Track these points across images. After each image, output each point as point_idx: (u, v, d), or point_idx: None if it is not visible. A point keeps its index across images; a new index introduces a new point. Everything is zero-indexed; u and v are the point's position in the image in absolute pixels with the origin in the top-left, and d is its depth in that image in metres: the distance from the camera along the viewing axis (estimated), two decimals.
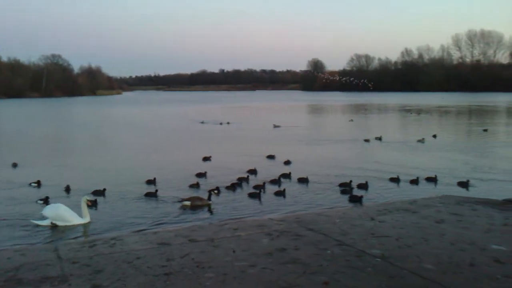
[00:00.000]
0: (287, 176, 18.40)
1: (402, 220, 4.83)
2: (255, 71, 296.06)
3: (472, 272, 3.40)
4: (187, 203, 15.08)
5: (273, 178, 18.30)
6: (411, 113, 63.44)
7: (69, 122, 53.22)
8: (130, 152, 27.60)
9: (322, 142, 31.83)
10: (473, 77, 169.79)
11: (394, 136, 34.21)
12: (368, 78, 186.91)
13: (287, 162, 22.15)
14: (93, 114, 69.93)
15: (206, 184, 17.97)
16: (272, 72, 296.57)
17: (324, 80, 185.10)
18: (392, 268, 3.49)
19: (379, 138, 30.40)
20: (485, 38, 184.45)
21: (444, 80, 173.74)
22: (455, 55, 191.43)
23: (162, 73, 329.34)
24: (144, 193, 16.23)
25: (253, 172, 19.40)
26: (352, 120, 50.98)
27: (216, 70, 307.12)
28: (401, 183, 17.75)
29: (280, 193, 16.17)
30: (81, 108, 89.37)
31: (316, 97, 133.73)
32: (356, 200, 14.85)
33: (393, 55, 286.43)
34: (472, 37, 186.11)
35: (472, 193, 16.13)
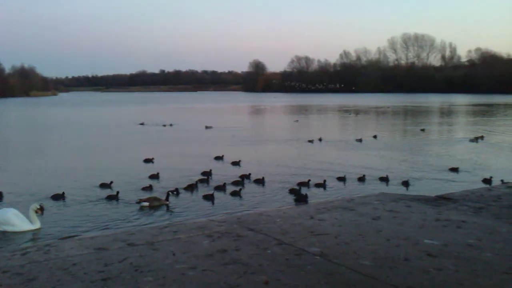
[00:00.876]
0: (247, 177, 18.62)
1: (340, 218, 4.92)
2: (196, 72, 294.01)
3: (407, 266, 3.51)
4: (145, 203, 15.04)
5: (234, 179, 18.48)
6: (350, 114, 65.18)
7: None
8: (70, 155, 26.80)
9: (270, 142, 32.22)
10: (408, 78, 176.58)
11: (336, 136, 35.11)
12: (308, 79, 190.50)
13: (236, 163, 22.27)
14: (25, 116, 67.17)
15: (159, 186, 17.83)
16: (214, 73, 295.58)
17: (274, 81, 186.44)
18: (331, 265, 3.55)
19: (320, 139, 31.07)
20: (419, 41, 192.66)
21: (381, 81, 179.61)
22: (391, 57, 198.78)
23: (100, 73, 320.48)
24: (106, 196, 16.05)
25: (207, 173, 19.45)
26: (297, 121, 51.89)
27: (157, 71, 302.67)
28: (340, 182, 18.33)
29: (236, 194, 16.35)
30: (11, 110, 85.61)
31: (258, 98, 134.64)
32: (301, 199, 15.18)
33: (332, 57, 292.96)
34: (407, 40, 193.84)
35: (407, 190, 16.84)
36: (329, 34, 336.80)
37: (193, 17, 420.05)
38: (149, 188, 17.33)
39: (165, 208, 14.93)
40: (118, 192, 16.15)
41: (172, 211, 14.62)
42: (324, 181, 17.58)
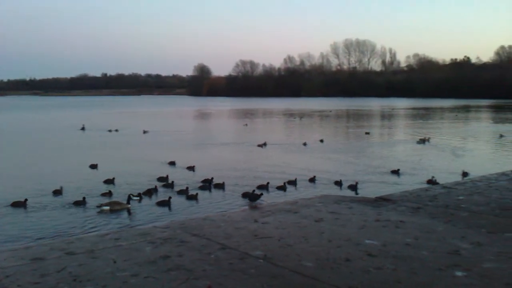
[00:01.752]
0: (208, 181, 18.67)
1: (284, 221, 4.97)
2: (140, 76, 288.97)
3: (348, 267, 3.59)
4: (106, 208, 14.90)
5: (194, 184, 18.48)
6: (294, 118, 66.03)
7: None
8: (10, 162, 25.69)
9: (222, 146, 32.19)
10: (350, 83, 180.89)
11: (285, 140, 35.48)
12: (253, 83, 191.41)
13: (191, 168, 22.13)
14: None
15: (117, 192, 17.53)
16: (158, 76, 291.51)
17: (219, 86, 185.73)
18: (274, 268, 3.57)
19: (264, 144, 31.23)
20: (360, 47, 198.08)
21: (324, 85, 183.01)
22: (334, 62, 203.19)
23: (38, 77, 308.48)
24: (73, 201, 15.95)
25: (165, 179, 19.31)
26: (246, 125, 52.16)
27: (98, 74, 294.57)
28: (289, 185, 18.58)
29: (193, 197, 16.39)
30: None
31: (204, 102, 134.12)
32: (254, 198, 15.24)
33: (277, 61, 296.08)
34: (349, 46, 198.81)
35: (351, 192, 17.27)
36: (273, 38, 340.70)
37: (136, 19, 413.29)
38: (108, 194, 17.10)
39: (126, 212, 14.83)
40: (84, 198, 15.93)
41: (133, 215, 14.50)
42: (284, 183, 17.99)
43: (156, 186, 18.04)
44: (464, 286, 3.26)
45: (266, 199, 15.79)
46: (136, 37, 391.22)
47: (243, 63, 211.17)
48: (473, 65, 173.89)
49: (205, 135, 41.68)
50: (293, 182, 18.81)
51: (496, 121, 59.13)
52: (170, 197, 16.15)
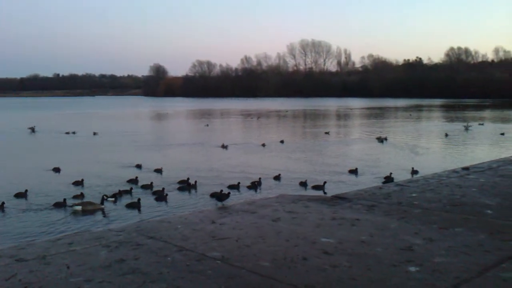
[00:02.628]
0: (185, 182, 18.77)
1: (241, 221, 4.97)
2: (93, 76, 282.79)
3: (304, 266, 3.62)
4: (78, 208, 14.70)
5: (171, 185, 18.51)
6: (252, 118, 66.22)
7: None
8: None
9: (187, 147, 32.01)
10: (306, 83, 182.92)
11: (245, 140, 35.45)
12: (210, 84, 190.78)
13: (158, 170, 21.87)
14: None
15: (88, 193, 17.21)
16: (112, 77, 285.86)
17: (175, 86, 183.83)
18: (232, 269, 3.57)
19: (225, 146, 31.07)
20: (316, 47, 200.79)
21: (281, 86, 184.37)
22: (290, 62, 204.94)
23: None
24: (53, 203, 15.93)
25: (134, 181, 19.09)
26: (207, 125, 51.96)
27: (50, 75, 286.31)
28: (243, 186, 18.61)
29: (162, 199, 16.30)
30: None
31: (161, 103, 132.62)
32: (222, 198, 15.18)
33: (234, 62, 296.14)
34: (305, 47, 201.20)
35: (317, 191, 17.45)
36: (230, 39, 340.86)
37: (89, 18, 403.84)
38: (80, 196, 16.87)
39: (100, 213, 14.66)
40: (65, 200, 15.69)
41: (107, 216, 14.35)
42: (255, 182, 18.18)
43: (131, 188, 17.97)
44: (417, 281, 3.35)
45: (237, 199, 15.85)
46: (90, 37, 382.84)
47: (200, 63, 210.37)
48: (425, 65, 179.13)
49: (167, 136, 41.23)
50: (258, 183, 18.91)
51: (449, 120, 61.09)
52: (139, 199, 16.03)
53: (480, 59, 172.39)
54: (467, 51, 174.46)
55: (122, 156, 26.65)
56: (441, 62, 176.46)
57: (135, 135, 40.69)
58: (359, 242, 4.22)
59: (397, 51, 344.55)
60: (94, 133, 41.13)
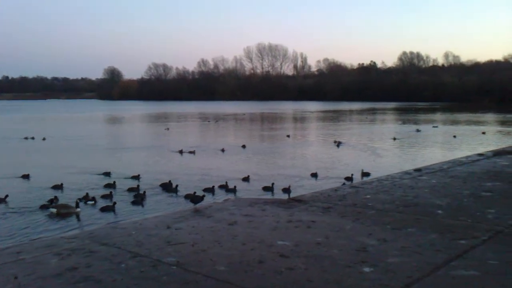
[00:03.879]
0: (168, 185, 18.64)
1: (197, 226, 4.92)
2: (45, 79, 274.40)
3: (261, 269, 3.61)
4: (53, 210, 14.53)
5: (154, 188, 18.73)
6: (209, 121, 65.96)
7: None
8: None
9: (151, 152, 31.40)
10: (263, 86, 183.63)
11: (207, 144, 35.08)
12: (166, 87, 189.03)
13: (135, 177, 21.36)
14: None
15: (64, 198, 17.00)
16: (65, 80, 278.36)
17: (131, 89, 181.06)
18: (187, 274, 3.52)
19: (193, 152, 30.24)
20: (273, 51, 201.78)
21: (238, 89, 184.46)
22: (248, 66, 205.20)
23: None
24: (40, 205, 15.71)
25: (111, 186, 18.85)
26: (168, 129, 51.31)
27: None
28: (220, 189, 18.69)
29: (139, 202, 16.20)
30: None
31: (117, 106, 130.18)
32: (197, 200, 15.02)
33: (191, 65, 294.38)
34: (262, 50, 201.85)
35: (275, 195, 17.50)
36: (187, 41, 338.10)
37: (41, 18, 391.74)
38: (55, 200, 16.91)
39: (74, 216, 14.43)
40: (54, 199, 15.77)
41: (80, 220, 14.16)
42: (235, 186, 18.28)
43: (111, 192, 17.69)
44: (371, 281, 3.40)
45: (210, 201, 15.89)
46: (42, 38, 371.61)
47: (156, 66, 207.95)
48: (379, 69, 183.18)
49: (130, 141, 40.25)
50: (232, 188, 18.90)
51: (403, 122, 62.61)
52: (115, 202, 15.97)
53: (431, 63, 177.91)
54: (419, 55, 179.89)
55: (92, 161, 26.20)
56: (394, 66, 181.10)
57: (97, 140, 39.87)
58: (315, 244, 4.25)
59: (352, 55, 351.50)
60: (44, 138, 39.67)
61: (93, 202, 16.15)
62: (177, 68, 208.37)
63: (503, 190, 6.78)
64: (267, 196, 17.36)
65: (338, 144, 32.67)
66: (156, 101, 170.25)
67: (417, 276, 3.47)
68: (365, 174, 20.29)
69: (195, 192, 16.10)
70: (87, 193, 16.97)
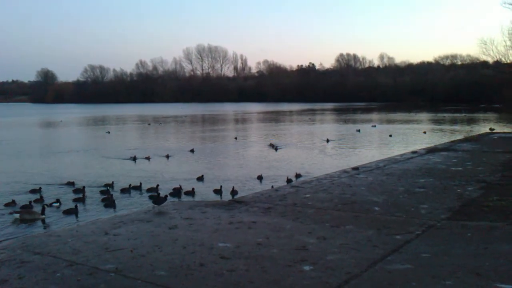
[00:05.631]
0: (137, 188, 18.67)
1: (136, 231, 4.83)
2: None
3: (201, 272, 3.59)
4: (16, 216, 13.96)
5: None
6: (149, 124, 64.85)
7: None
8: None
9: (96, 155, 30.34)
10: (204, 88, 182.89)
11: (150, 149, 34.26)
12: (103, 89, 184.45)
13: (109, 185, 20.52)
14: None
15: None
16: None
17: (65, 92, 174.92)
18: (126, 281, 3.44)
19: (148, 158, 29.24)
20: (213, 52, 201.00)
21: (179, 91, 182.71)
22: (187, 67, 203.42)
23: None
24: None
25: (81, 191, 18.41)
26: (108, 132, 49.87)
27: None
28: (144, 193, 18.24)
29: (111, 204, 16.13)
30: None
31: (51, 110, 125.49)
32: (160, 201, 14.62)
33: (128, 66, 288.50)
34: (201, 51, 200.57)
35: (218, 197, 17.42)
36: (124, 43, 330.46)
37: None
38: (12, 203, 16.14)
39: (40, 222, 13.87)
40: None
41: (45, 225, 13.62)
42: (193, 188, 18.01)
43: (84, 195, 17.24)
44: (311, 279, 3.44)
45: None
46: None
47: (92, 68, 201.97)
48: (317, 71, 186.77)
49: (68, 145, 38.53)
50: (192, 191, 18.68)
51: (342, 122, 64.09)
52: (76, 205, 15.53)
53: (367, 65, 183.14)
54: (355, 57, 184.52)
55: (47, 166, 25.32)
56: (332, 67, 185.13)
57: (36, 144, 38.24)
58: (256, 244, 4.27)
59: (292, 57, 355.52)
60: None
61: (58, 204, 15.83)
62: (114, 70, 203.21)
63: (435, 186, 7.08)
64: (216, 198, 17.33)
65: (276, 148, 32.64)
66: (92, 104, 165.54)
67: (356, 272, 3.55)
68: (298, 176, 20.51)
69: (159, 193, 15.81)
70: (79, 198, 16.79)
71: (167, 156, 28.70)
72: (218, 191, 18.30)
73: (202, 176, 20.79)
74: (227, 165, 26.21)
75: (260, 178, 21.01)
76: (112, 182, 19.38)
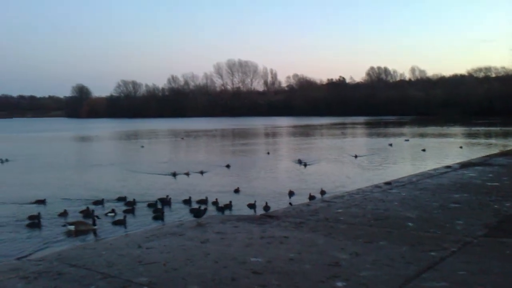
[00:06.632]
0: (187, 201, 19.17)
1: (169, 244, 4.86)
2: (11, 97, 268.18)
3: (233, 286, 3.59)
4: (71, 227, 14.58)
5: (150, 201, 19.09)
6: (182, 138, 65.55)
7: None
8: None
9: (130, 170, 30.89)
10: (234, 102, 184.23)
11: (186, 163, 34.56)
12: (136, 104, 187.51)
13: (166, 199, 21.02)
14: None
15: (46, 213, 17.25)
16: (32, 98, 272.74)
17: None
18: None
19: (186, 174, 29.48)
20: (243, 67, 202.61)
21: (209, 105, 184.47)
22: (218, 82, 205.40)
23: None
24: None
25: (123, 199, 19.63)
26: (143, 147, 50.74)
27: None
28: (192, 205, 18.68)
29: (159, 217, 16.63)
30: None
31: (86, 125, 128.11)
32: (199, 214, 14.79)
33: (160, 82, 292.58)
34: (232, 66, 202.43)
35: (251, 211, 17.47)
36: (156, 58, 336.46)
37: (5, 35, 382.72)
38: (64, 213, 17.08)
39: (92, 233, 15.01)
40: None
41: (98, 236, 14.47)
42: (230, 202, 18.44)
43: (133, 208, 18.05)
44: None
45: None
46: (7, 55, 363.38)
47: (125, 83, 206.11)
48: (348, 84, 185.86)
49: (104, 159, 39.32)
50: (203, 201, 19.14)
51: (374, 136, 63.44)
52: (125, 216, 16.20)
53: (398, 78, 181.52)
54: (386, 70, 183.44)
55: (89, 178, 26.08)
56: (362, 81, 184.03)
57: (74, 158, 39.21)
58: (288, 259, 4.25)
59: (322, 71, 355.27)
60: (2, 161, 37.38)
61: (113, 214, 16.66)
62: (146, 85, 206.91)
63: (471, 201, 6.92)
64: (250, 212, 17.33)
65: (305, 164, 32.33)
66: (125, 118, 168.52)
67: None
68: (322, 193, 20.26)
69: (199, 207, 16.04)
70: (115, 209, 17.49)
71: (202, 172, 28.87)
72: (252, 206, 18.35)
73: (238, 188, 21.22)
74: (260, 179, 26.27)
75: (291, 193, 20.96)
76: (167, 196, 19.78)
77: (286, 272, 3.89)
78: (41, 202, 19.22)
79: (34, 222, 15.71)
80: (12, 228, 15.57)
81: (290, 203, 17.07)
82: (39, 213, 16.51)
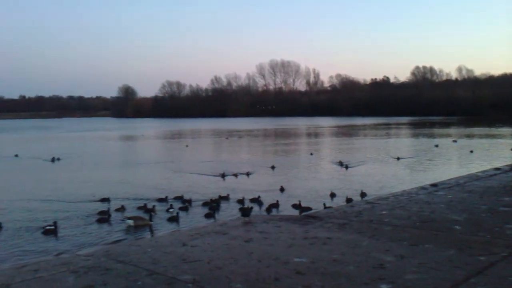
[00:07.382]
0: (225, 198, 20.32)
1: (213, 243, 4.92)
2: (61, 98, 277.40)
3: (277, 286, 3.59)
4: (130, 221, 15.46)
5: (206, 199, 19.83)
6: (226, 138, 66.09)
7: None
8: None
9: (191, 169, 31.61)
10: (276, 102, 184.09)
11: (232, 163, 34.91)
12: (180, 104, 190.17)
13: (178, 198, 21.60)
14: None
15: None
16: (80, 98, 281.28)
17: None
18: None
19: (235, 175, 29.67)
20: (285, 67, 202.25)
21: (251, 106, 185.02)
22: (260, 82, 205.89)
23: None
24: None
25: (179, 197, 20.42)
26: (187, 146, 51.56)
27: (16, 97, 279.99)
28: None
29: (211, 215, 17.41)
30: None
31: (132, 124, 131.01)
32: (246, 213, 15.06)
33: (204, 82, 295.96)
34: (274, 67, 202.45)
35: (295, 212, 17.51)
36: (200, 59, 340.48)
37: (57, 39, 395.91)
38: (121, 209, 18.22)
39: (148, 229, 15.49)
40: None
41: (153, 231, 15.18)
42: (277, 201, 18.72)
43: (187, 205, 18.93)
44: None
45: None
46: (57, 58, 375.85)
47: (170, 83, 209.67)
48: (392, 84, 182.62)
49: (149, 157, 40.24)
50: (255, 200, 19.53)
51: (419, 136, 62.17)
52: (178, 212, 17.09)
53: (444, 78, 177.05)
54: (432, 69, 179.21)
55: (145, 176, 27.31)
56: (407, 80, 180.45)
57: (133, 157, 40.49)
58: (331, 260, 4.22)
59: (365, 71, 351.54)
60: (53, 159, 38.46)
61: (172, 210, 17.51)
62: (190, 86, 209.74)
63: None
64: (294, 213, 17.35)
65: (346, 166, 31.84)
66: (169, 118, 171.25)
67: None
68: (363, 195, 20.01)
69: (247, 206, 16.34)
70: (170, 204, 18.47)
71: (249, 174, 29.00)
72: (296, 206, 18.37)
73: (282, 187, 21.38)
74: (304, 180, 26.26)
75: (332, 195, 20.81)
76: (219, 196, 20.50)
77: (330, 273, 3.87)
78: (106, 200, 20.51)
79: (104, 218, 16.87)
80: (84, 221, 17.00)
81: (324, 204, 17.05)
82: (108, 209, 17.82)
